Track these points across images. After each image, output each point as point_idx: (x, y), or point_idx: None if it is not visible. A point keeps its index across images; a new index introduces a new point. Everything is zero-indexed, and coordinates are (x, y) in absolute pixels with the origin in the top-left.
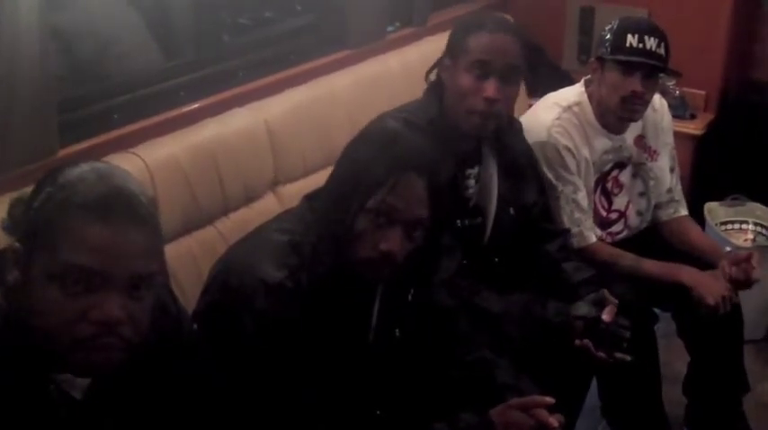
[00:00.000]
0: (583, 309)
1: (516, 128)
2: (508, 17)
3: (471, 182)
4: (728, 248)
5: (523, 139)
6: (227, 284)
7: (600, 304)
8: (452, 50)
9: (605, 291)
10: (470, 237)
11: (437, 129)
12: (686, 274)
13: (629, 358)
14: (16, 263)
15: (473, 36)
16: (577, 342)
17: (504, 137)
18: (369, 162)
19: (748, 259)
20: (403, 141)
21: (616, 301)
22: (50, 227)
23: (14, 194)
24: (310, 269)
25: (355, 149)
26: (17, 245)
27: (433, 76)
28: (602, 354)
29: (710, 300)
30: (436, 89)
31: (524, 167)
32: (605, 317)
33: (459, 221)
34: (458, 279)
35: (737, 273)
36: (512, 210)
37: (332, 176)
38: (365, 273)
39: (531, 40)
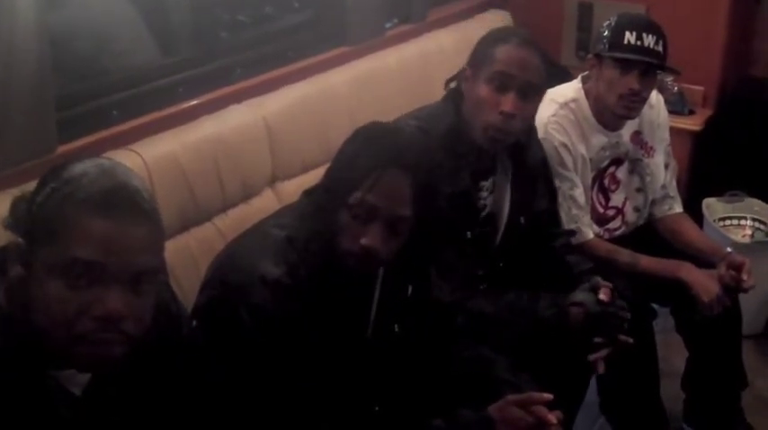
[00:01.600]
0: (579, 295)
1: (533, 134)
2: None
3: (485, 193)
4: (729, 249)
5: (540, 145)
6: (226, 280)
7: (594, 290)
8: (475, 60)
9: (598, 278)
10: (480, 244)
11: (453, 139)
12: (684, 271)
13: (631, 340)
14: (19, 258)
15: (498, 48)
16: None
17: (520, 144)
18: (353, 157)
19: (740, 268)
20: (390, 137)
21: (610, 285)
22: (53, 221)
23: (14, 192)
24: (305, 263)
25: (345, 145)
26: (20, 240)
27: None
28: (598, 340)
29: (704, 299)
30: (454, 97)
31: (538, 175)
32: (602, 297)
33: (469, 233)
34: (454, 285)
35: (730, 279)
36: (522, 219)
37: (325, 172)
38: (350, 265)
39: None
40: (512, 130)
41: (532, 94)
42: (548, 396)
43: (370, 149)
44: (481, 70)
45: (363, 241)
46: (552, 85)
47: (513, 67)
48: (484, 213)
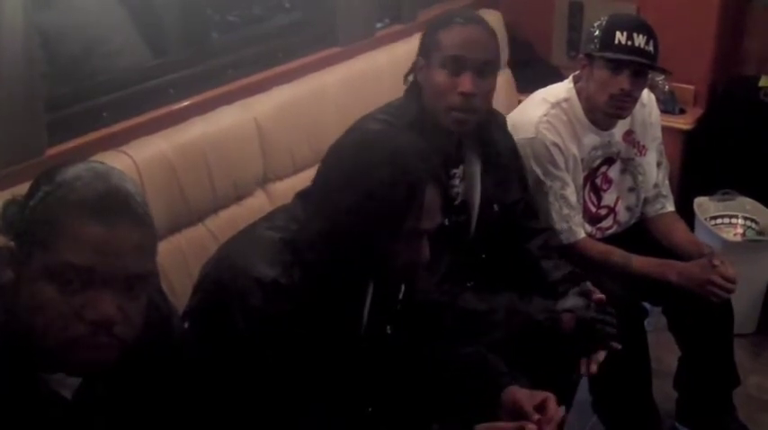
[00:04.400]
0: (570, 301)
1: (500, 122)
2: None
3: (456, 181)
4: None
5: (507, 134)
6: (220, 282)
7: (585, 295)
8: (425, 49)
9: (588, 283)
10: (456, 234)
11: (419, 130)
12: (674, 274)
13: (619, 346)
14: (10, 262)
15: (443, 32)
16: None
17: (485, 132)
18: (387, 186)
19: (711, 259)
20: (411, 159)
21: (600, 294)
22: (47, 225)
23: (3, 194)
24: (299, 265)
25: (364, 171)
26: (11, 244)
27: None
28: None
29: (713, 299)
30: (414, 90)
31: (508, 164)
32: (597, 298)
33: (446, 220)
34: (442, 281)
35: (720, 283)
36: (496, 206)
37: (335, 189)
38: (397, 282)
39: (519, 36)
40: (474, 108)
41: (488, 70)
42: (533, 427)
43: (399, 178)
44: (431, 57)
45: (419, 259)
46: (543, 85)
47: (464, 49)
48: (457, 201)
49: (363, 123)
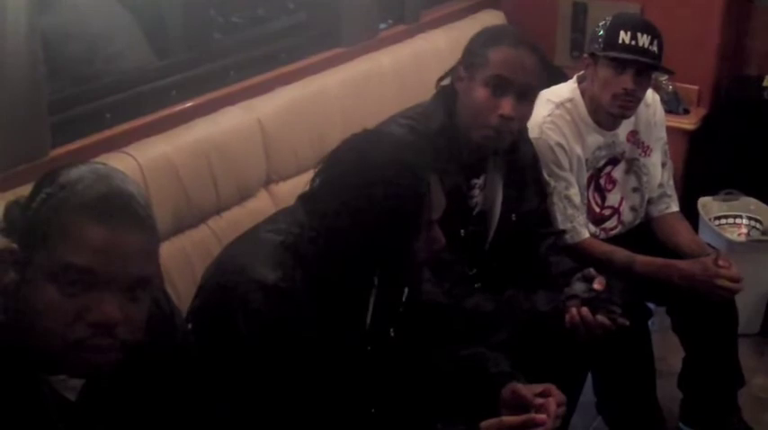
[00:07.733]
0: (576, 287)
1: (526, 133)
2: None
3: (476, 191)
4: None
5: (531, 145)
6: (222, 285)
7: (588, 280)
8: (470, 61)
9: (591, 269)
10: (472, 244)
11: (446, 137)
12: (676, 275)
13: (627, 322)
14: (13, 264)
15: (494, 49)
16: (574, 311)
17: (513, 145)
18: (397, 190)
19: (716, 262)
20: (409, 153)
21: (602, 278)
22: (49, 227)
23: (7, 196)
24: (301, 268)
25: (369, 175)
26: (14, 246)
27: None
28: (602, 318)
29: (717, 300)
30: (447, 96)
31: (529, 175)
32: (597, 286)
33: (462, 231)
34: (452, 287)
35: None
36: (514, 217)
37: (338, 193)
38: (412, 279)
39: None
40: (510, 131)
41: (530, 96)
42: (542, 417)
43: (408, 172)
44: (476, 72)
45: (439, 245)
46: (547, 86)
47: (510, 70)
48: (476, 211)
49: (385, 127)
